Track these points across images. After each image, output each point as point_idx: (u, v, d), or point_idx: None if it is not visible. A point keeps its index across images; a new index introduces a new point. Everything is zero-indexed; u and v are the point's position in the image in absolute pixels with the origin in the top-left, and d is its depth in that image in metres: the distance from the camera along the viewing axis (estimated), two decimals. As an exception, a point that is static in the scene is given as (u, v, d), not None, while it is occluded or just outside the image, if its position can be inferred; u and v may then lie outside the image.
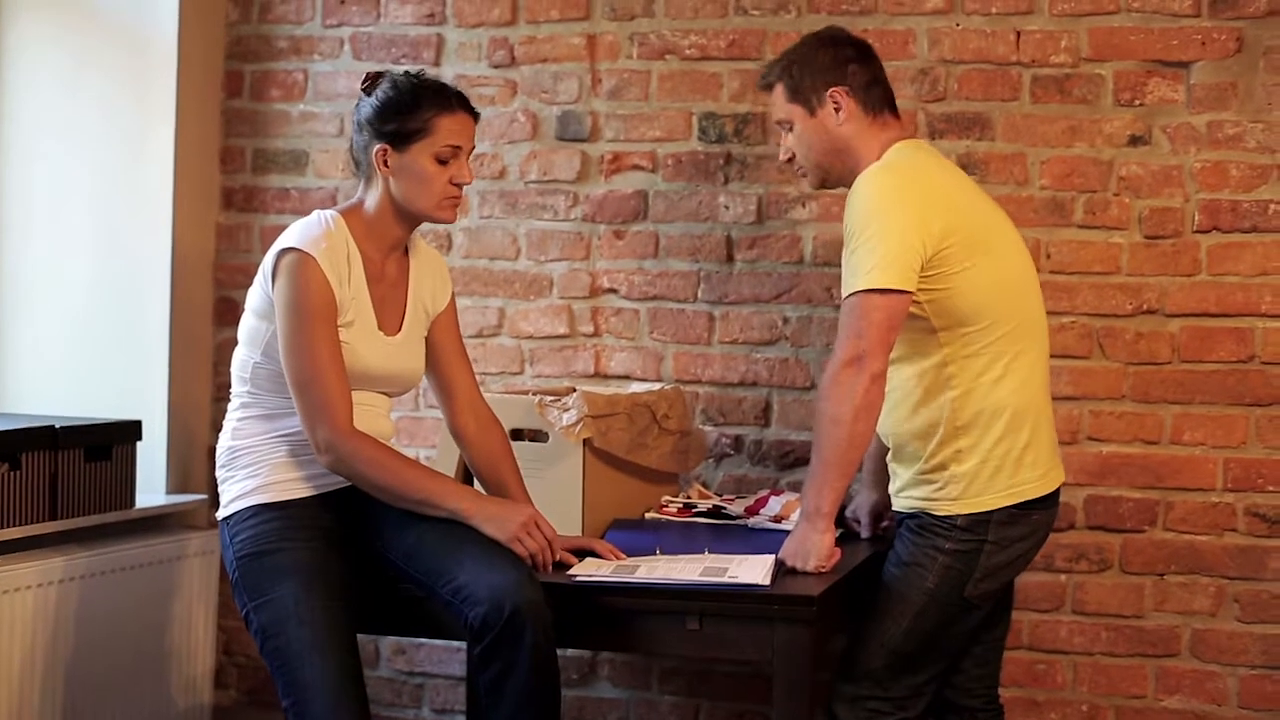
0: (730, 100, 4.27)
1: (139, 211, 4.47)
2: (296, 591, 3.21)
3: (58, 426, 3.97)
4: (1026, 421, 3.35)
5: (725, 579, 3.22)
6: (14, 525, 3.86)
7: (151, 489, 4.42)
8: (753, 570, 3.26)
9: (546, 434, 3.72)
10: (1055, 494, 3.44)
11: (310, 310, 3.24)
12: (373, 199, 3.38)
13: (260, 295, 3.34)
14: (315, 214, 3.37)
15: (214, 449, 4.48)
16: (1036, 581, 4.06)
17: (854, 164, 3.42)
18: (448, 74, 4.41)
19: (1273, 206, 3.93)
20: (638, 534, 3.64)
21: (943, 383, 3.33)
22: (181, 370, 4.51)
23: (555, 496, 3.61)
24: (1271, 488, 3.94)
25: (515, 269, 4.43)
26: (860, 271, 3.24)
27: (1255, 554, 3.95)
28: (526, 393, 3.89)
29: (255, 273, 4.49)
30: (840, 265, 3.33)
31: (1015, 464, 3.34)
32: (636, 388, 4.10)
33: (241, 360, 3.40)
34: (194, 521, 4.53)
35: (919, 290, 3.27)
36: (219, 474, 3.42)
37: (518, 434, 3.72)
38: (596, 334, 4.39)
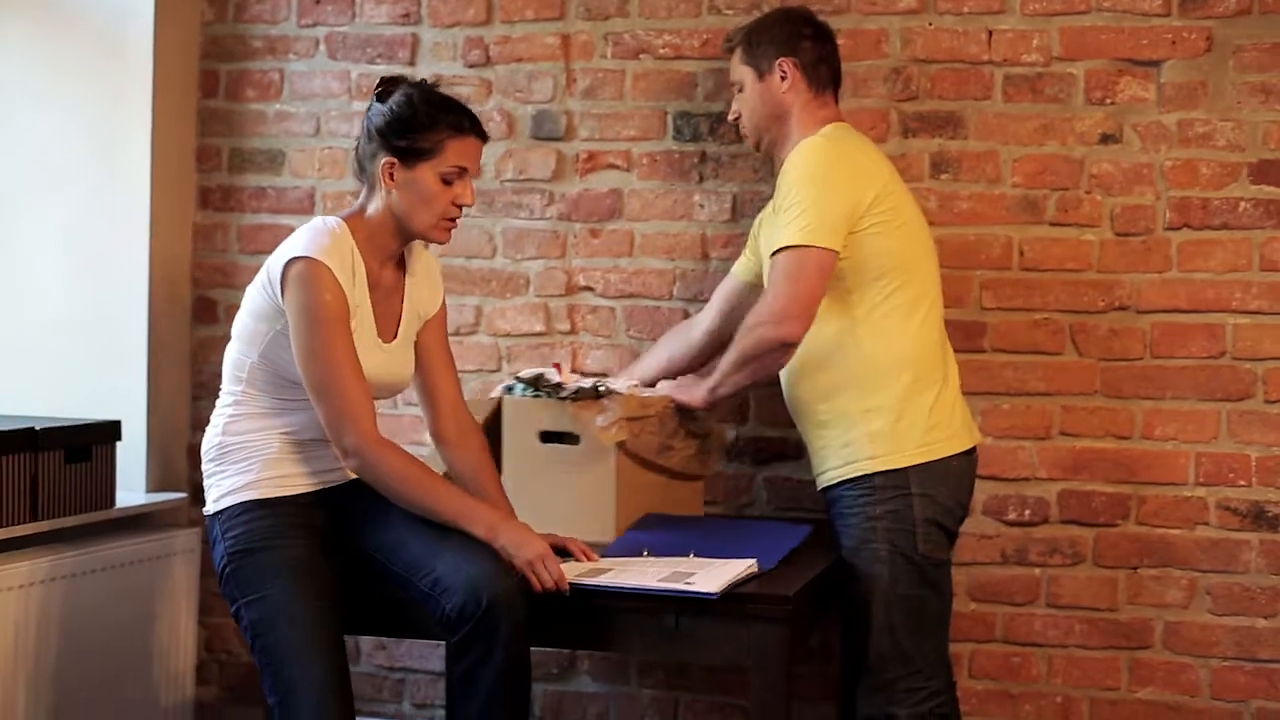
0: (704, 99, 4.29)
1: (116, 211, 4.47)
2: (288, 590, 3.25)
3: (37, 428, 3.98)
4: (934, 380, 3.56)
5: (680, 585, 3.23)
6: (-5, 527, 3.87)
7: (132, 488, 4.43)
8: (711, 579, 3.25)
9: (578, 436, 3.69)
10: (971, 449, 3.66)
11: (327, 317, 3.23)
12: (374, 208, 3.38)
13: (262, 299, 3.32)
14: (319, 220, 3.36)
15: (194, 447, 4.55)
16: (1010, 575, 4.10)
17: (788, 133, 3.67)
18: (423, 73, 4.42)
19: (1242, 204, 3.97)
20: (663, 533, 3.65)
21: (854, 342, 3.52)
22: (160, 369, 4.52)
23: (588, 498, 3.61)
24: (1242, 482, 3.98)
25: (492, 267, 4.45)
26: (794, 228, 3.44)
27: (1227, 547, 3.99)
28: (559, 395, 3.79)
29: (232, 271, 4.59)
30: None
31: (924, 421, 3.52)
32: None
33: (236, 360, 3.38)
34: (174, 520, 4.54)
35: (843, 248, 3.48)
36: (206, 468, 3.42)
37: (548, 436, 3.70)
38: (573, 331, 4.41)
